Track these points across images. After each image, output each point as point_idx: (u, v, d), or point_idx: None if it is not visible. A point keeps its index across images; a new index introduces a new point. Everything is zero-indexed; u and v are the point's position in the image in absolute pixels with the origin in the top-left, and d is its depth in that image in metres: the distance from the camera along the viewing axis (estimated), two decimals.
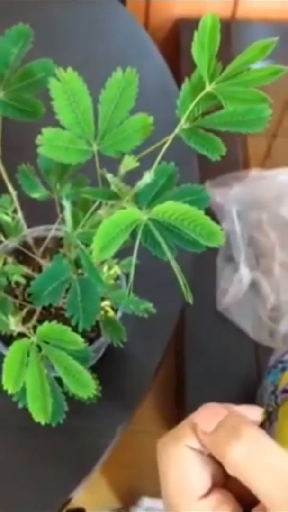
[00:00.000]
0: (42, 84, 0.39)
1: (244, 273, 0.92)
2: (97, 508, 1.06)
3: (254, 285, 0.94)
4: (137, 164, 0.35)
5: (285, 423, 0.68)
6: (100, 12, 0.84)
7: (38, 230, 0.50)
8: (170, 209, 0.31)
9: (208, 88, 0.31)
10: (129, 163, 0.35)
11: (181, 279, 0.31)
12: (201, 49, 0.30)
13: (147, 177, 0.34)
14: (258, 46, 0.31)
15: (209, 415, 0.31)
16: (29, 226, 0.48)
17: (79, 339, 0.34)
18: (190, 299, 0.32)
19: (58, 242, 0.51)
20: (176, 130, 0.33)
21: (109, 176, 0.36)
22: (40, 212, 0.46)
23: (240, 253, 0.92)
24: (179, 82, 0.88)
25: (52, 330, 0.35)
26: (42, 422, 0.33)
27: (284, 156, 1.14)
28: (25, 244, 0.49)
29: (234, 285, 0.92)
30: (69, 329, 0.35)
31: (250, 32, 1.26)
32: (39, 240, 0.50)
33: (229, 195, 0.94)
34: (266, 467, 0.28)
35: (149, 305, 0.46)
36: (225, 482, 0.32)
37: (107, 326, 0.46)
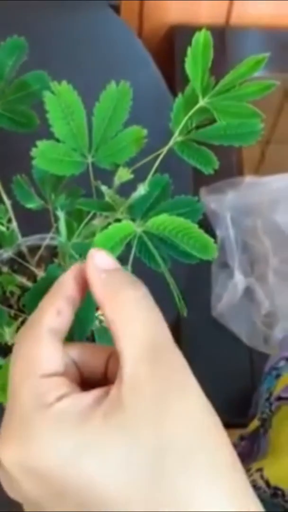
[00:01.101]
0: (36, 96, 0.39)
1: (239, 279, 0.92)
2: None
3: (248, 291, 0.94)
4: (131, 176, 0.35)
5: (280, 430, 0.68)
6: (93, 20, 0.84)
7: (33, 239, 0.50)
8: (164, 222, 0.31)
9: (201, 102, 0.31)
10: (123, 175, 0.36)
11: (175, 292, 0.31)
12: (194, 64, 0.30)
13: (141, 188, 0.35)
14: (251, 61, 0.31)
15: (105, 256, 0.30)
16: (23, 236, 0.48)
17: None
18: (184, 312, 0.32)
19: (53, 251, 0.51)
20: (170, 144, 0.33)
21: (103, 188, 0.36)
22: (34, 221, 0.46)
23: (234, 259, 0.93)
24: (173, 88, 0.88)
25: None
26: None
27: (278, 163, 1.14)
28: (19, 253, 0.50)
29: (229, 291, 0.92)
30: None
31: (245, 39, 1.26)
32: (33, 249, 0.50)
33: (223, 201, 0.94)
34: (146, 317, 0.28)
35: None
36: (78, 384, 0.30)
37: (102, 335, 0.46)
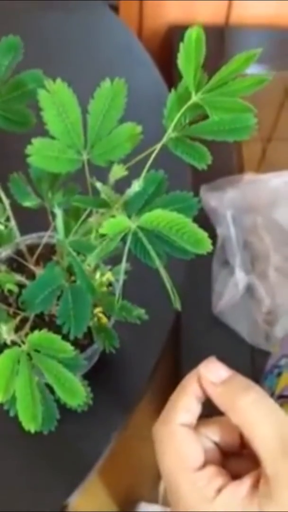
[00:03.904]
0: (32, 95, 0.39)
1: (240, 277, 0.92)
2: None
3: (249, 289, 0.94)
4: (126, 172, 0.36)
5: None
6: (92, 21, 0.85)
7: (31, 238, 0.50)
8: (158, 217, 0.31)
9: (194, 98, 0.31)
10: (118, 171, 0.36)
11: (169, 286, 0.31)
12: (187, 60, 0.31)
13: (136, 185, 0.35)
14: (243, 56, 0.31)
15: (215, 369, 0.35)
16: (22, 234, 0.48)
17: (69, 347, 0.35)
18: (178, 306, 0.32)
19: (51, 249, 0.51)
20: (164, 140, 0.33)
21: (98, 184, 0.36)
22: (32, 220, 0.46)
23: (235, 257, 0.93)
24: (172, 88, 0.88)
25: (43, 338, 0.35)
26: (32, 430, 0.33)
27: (278, 160, 1.14)
28: (18, 252, 0.50)
29: (230, 289, 0.92)
30: (59, 337, 0.35)
31: (244, 38, 1.26)
32: (32, 248, 0.50)
33: (223, 199, 0.94)
34: (268, 417, 0.32)
35: (142, 311, 0.46)
36: (219, 462, 0.35)
37: (99, 332, 0.46)
